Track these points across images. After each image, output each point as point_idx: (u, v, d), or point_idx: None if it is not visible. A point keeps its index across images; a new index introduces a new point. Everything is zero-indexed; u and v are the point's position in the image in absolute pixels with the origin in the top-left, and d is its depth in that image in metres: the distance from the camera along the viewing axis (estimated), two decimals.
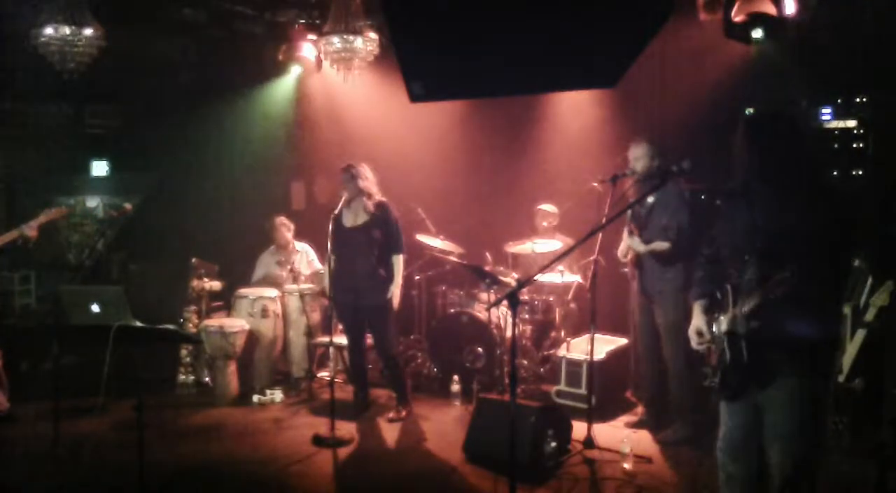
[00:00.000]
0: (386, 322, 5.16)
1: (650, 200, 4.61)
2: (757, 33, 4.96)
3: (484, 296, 5.91)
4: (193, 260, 6.10)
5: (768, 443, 2.74)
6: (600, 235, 4.41)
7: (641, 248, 4.62)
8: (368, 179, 5.07)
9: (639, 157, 4.59)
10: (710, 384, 2.86)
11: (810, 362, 2.63)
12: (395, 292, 5.11)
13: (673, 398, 4.73)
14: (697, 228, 4.48)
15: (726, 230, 2.91)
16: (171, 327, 4.11)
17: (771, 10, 4.88)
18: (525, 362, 5.86)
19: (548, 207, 6.16)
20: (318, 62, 6.57)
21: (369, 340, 5.41)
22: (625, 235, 4.76)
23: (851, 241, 2.68)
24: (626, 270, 4.95)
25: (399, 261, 5.14)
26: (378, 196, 5.13)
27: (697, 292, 3.04)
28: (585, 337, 5.19)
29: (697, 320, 2.97)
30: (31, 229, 4.90)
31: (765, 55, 5.17)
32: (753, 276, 2.68)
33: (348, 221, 5.15)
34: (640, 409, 5.24)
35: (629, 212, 4.64)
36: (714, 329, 2.90)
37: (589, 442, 4.52)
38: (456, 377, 5.64)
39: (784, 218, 2.66)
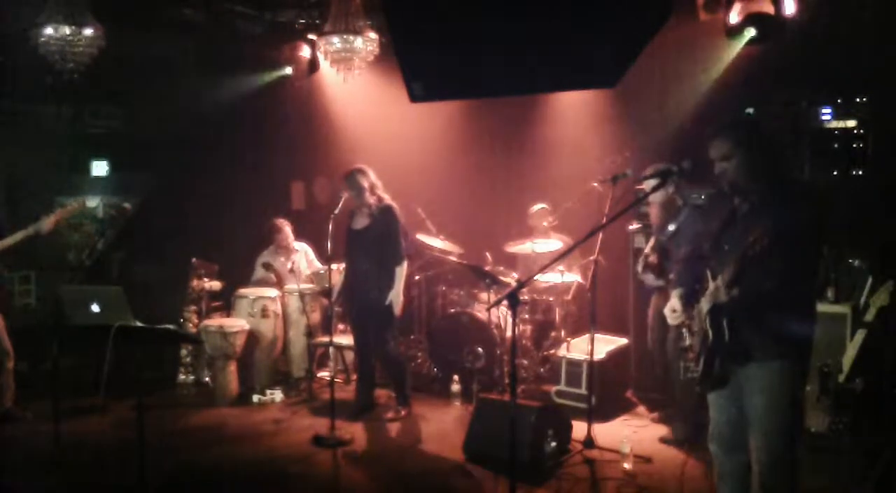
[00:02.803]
0: (384, 324, 5.16)
1: (671, 228, 4.58)
2: (750, 32, 4.96)
3: (484, 296, 5.91)
4: (193, 260, 6.10)
5: (749, 430, 2.83)
6: (600, 235, 4.41)
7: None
8: (368, 183, 5.08)
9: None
10: (691, 376, 2.92)
11: (788, 350, 2.75)
12: (395, 300, 5.09)
13: (677, 399, 4.72)
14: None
15: (708, 228, 3.01)
16: (171, 327, 4.10)
17: (771, 10, 4.88)
18: (525, 362, 5.86)
19: (541, 206, 6.17)
20: (318, 62, 6.57)
21: None
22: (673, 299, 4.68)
23: (817, 239, 2.80)
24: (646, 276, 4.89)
25: (398, 271, 5.11)
26: (381, 200, 5.14)
27: (676, 281, 3.19)
28: (585, 337, 5.19)
29: (674, 300, 3.10)
30: (48, 225, 4.89)
31: (765, 55, 5.17)
32: (732, 263, 2.77)
33: (356, 223, 5.21)
34: (641, 408, 5.24)
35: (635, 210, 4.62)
36: (695, 316, 2.98)
37: (589, 442, 4.53)
38: (456, 377, 5.64)
39: (756, 217, 2.75)
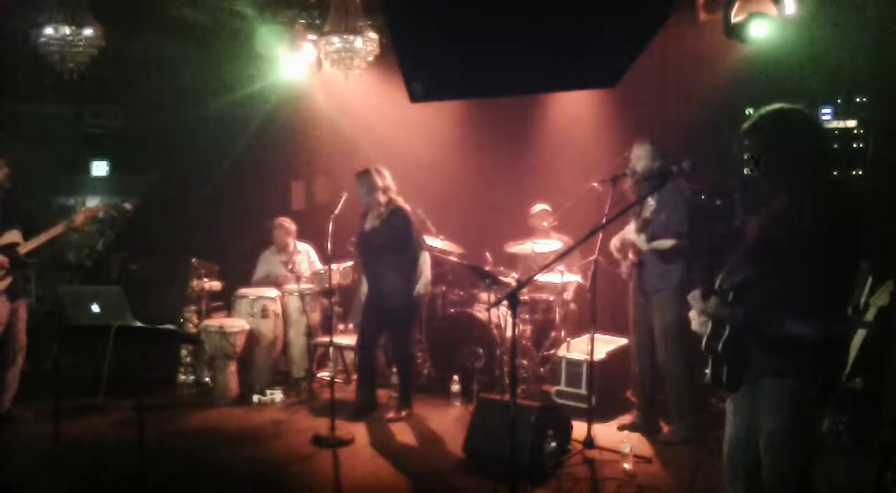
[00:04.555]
0: (407, 323, 5.24)
1: (651, 201, 4.61)
2: (756, 33, 4.95)
3: (484, 296, 5.91)
4: (193, 260, 6.10)
5: (761, 443, 2.73)
6: (600, 235, 4.42)
7: (645, 246, 4.61)
8: (381, 184, 5.10)
9: (640, 157, 4.59)
10: (707, 380, 2.85)
11: (803, 363, 2.58)
12: (422, 290, 5.18)
13: (671, 400, 4.72)
14: (698, 227, 4.48)
15: (729, 227, 2.94)
16: (171, 327, 4.10)
17: (771, 9, 4.88)
18: (525, 362, 5.86)
19: (542, 206, 6.17)
20: (318, 62, 6.57)
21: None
22: (630, 229, 4.75)
23: (854, 241, 2.61)
24: (620, 270, 4.92)
25: (422, 261, 5.20)
26: (392, 202, 5.15)
27: (699, 280, 3.04)
28: (585, 337, 5.19)
29: (695, 300, 2.88)
30: (78, 220, 5.09)
31: (765, 55, 5.16)
32: (745, 272, 2.67)
33: (367, 224, 5.25)
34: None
35: (634, 210, 4.65)
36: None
37: (589, 442, 4.53)
38: (456, 377, 5.64)
39: (781, 216, 2.64)
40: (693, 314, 2.93)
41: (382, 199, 5.10)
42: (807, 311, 2.55)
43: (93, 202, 7.42)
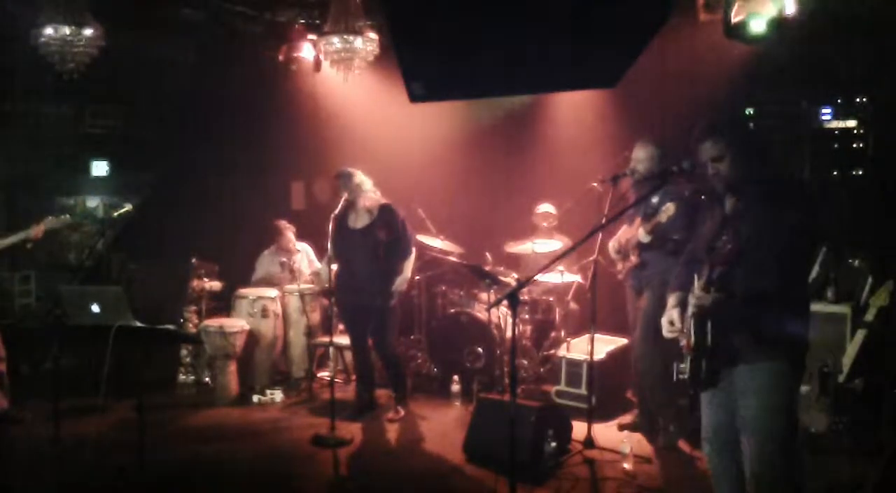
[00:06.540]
0: (387, 323, 5.16)
1: (654, 200, 4.58)
2: (756, 32, 4.95)
3: (484, 296, 5.91)
4: (193, 260, 6.10)
5: (742, 433, 2.79)
6: (600, 235, 4.41)
7: (646, 237, 4.52)
8: (362, 182, 5.08)
9: (643, 159, 4.55)
10: (682, 377, 2.88)
11: (779, 350, 2.71)
12: (400, 288, 5.09)
13: (654, 400, 4.70)
14: (694, 227, 4.46)
15: (704, 229, 3.00)
16: (171, 327, 4.11)
17: (771, 9, 4.88)
18: (525, 362, 5.86)
19: (547, 207, 6.17)
20: (318, 62, 6.57)
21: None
22: (625, 230, 4.73)
23: (809, 238, 2.80)
24: (617, 270, 4.90)
25: (407, 263, 5.14)
26: (378, 198, 5.12)
27: (674, 284, 3.11)
28: (585, 337, 5.19)
29: (671, 310, 3.01)
30: (36, 232, 4.97)
31: (765, 55, 5.17)
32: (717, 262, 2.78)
33: (352, 222, 5.18)
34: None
35: (638, 210, 4.62)
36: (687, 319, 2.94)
37: (589, 442, 4.53)
38: (456, 377, 5.65)
39: (750, 216, 2.75)
40: (665, 322, 3.00)
41: (365, 191, 5.08)
42: (777, 302, 2.70)
43: (92, 202, 7.44)
